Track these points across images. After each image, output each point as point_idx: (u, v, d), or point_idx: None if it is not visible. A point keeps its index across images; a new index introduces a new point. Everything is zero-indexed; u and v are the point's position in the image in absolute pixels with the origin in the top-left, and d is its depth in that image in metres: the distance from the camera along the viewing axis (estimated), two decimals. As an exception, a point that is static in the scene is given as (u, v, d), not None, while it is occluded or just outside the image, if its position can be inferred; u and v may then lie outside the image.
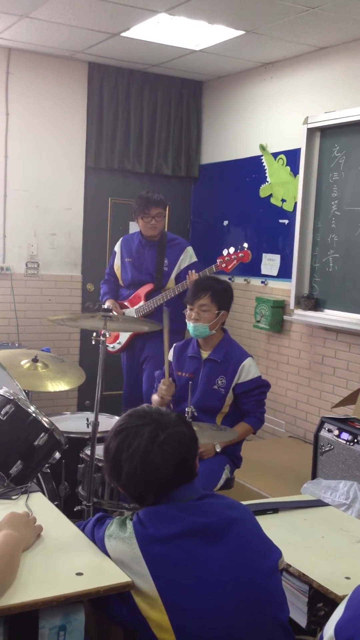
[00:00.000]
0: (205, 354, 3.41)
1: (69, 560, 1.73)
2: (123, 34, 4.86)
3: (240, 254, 4.35)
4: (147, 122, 6.02)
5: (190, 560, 1.68)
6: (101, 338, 2.94)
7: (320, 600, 1.91)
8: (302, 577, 1.93)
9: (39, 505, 2.09)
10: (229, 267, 4.37)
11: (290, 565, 1.94)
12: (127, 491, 1.84)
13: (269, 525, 2.11)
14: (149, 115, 6.03)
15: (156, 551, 1.68)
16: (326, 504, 2.48)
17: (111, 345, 4.72)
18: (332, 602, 1.83)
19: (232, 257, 4.35)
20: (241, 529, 1.78)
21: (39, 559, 1.73)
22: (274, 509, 2.34)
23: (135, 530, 1.72)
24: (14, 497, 2.12)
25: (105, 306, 4.53)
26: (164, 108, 6.10)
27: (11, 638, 1.55)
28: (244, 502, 2.18)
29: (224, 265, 4.37)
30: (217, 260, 4.39)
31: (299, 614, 1.99)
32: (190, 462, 1.83)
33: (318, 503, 2.48)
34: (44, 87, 5.61)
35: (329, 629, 1.34)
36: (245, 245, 4.45)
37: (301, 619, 1.98)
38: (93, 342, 2.98)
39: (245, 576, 1.70)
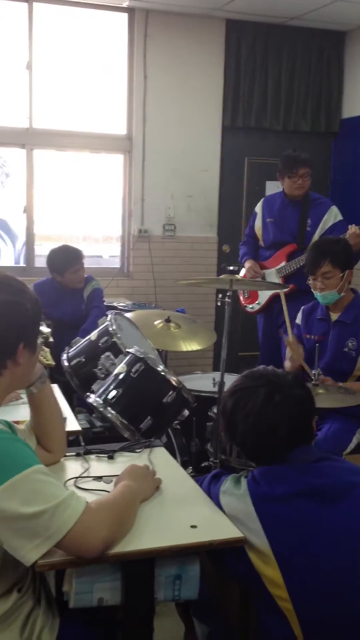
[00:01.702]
0: (334, 316, 3.32)
1: (184, 513, 1.79)
2: (259, -12, 4.76)
3: None
4: (285, 77, 5.87)
5: (305, 520, 1.68)
6: (226, 300, 2.95)
7: None
8: None
9: (161, 460, 2.15)
10: None
11: None
12: (243, 450, 1.87)
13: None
14: (287, 71, 5.88)
15: (270, 509, 1.69)
16: None
17: (250, 306, 4.71)
18: None
19: None
20: (359, 493, 1.75)
21: (156, 511, 1.79)
22: None
23: (249, 487, 1.75)
24: (137, 451, 2.20)
25: (245, 267, 4.56)
26: (304, 62, 5.92)
27: (129, 583, 1.63)
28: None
29: None
30: None
31: None
32: (306, 425, 1.83)
33: None
34: (181, 48, 5.62)
35: None
36: None
37: None
38: (218, 304, 3.00)
39: (362, 540, 1.68)
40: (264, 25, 5.72)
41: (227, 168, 5.90)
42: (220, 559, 1.78)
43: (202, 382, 3.54)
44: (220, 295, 3.06)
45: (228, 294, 3.02)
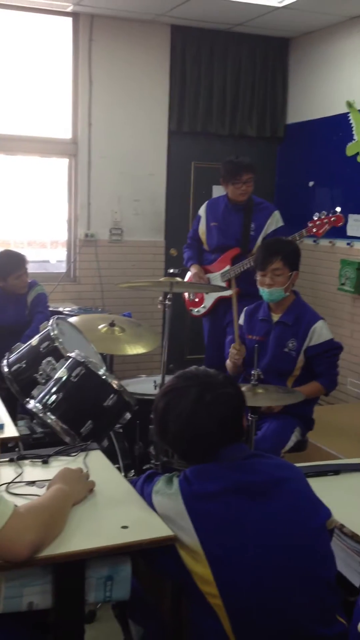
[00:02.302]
0: (276, 317, 3.39)
1: (116, 514, 1.80)
2: (203, -7, 4.79)
3: (332, 218, 4.23)
4: (230, 83, 5.93)
5: (234, 516, 1.70)
6: (166, 302, 2.97)
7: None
8: (355, 538, 1.92)
9: (97, 463, 2.16)
10: (320, 231, 4.26)
11: (344, 526, 1.93)
12: (175, 450, 1.88)
13: (328, 486, 2.14)
14: (232, 76, 5.93)
15: (200, 507, 1.71)
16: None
17: (196, 310, 4.74)
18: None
19: (324, 221, 4.24)
20: (288, 489, 1.78)
21: (88, 513, 1.80)
22: (336, 470, 2.33)
23: (180, 486, 1.76)
24: (73, 454, 2.20)
25: (191, 272, 4.59)
26: (248, 68, 5.99)
27: (59, 586, 1.63)
28: (314, 464, 2.19)
29: (314, 230, 4.27)
30: (308, 224, 4.29)
31: (353, 574, 1.99)
32: (236, 423, 1.85)
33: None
34: (126, 53, 5.63)
35: None
36: (338, 209, 4.32)
37: (355, 579, 1.98)
38: (159, 307, 3.02)
39: (290, 534, 1.71)
40: (209, 32, 5.77)
41: (173, 172, 5.93)
42: (152, 558, 1.79)
43: (145, 385, 3.55)
44: (160, 298, 3.08)
45: (169, 296, 3.04)
